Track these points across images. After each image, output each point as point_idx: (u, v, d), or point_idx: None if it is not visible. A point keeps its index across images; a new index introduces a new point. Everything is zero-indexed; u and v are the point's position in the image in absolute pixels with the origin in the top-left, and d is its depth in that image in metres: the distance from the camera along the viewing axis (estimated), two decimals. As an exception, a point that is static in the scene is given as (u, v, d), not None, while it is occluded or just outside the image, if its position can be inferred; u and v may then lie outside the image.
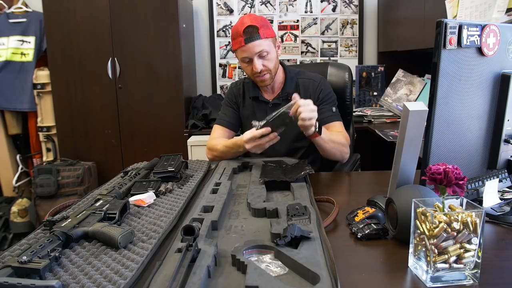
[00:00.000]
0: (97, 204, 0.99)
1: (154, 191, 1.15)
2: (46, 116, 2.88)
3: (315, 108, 1.28)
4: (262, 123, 1.28)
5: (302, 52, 3.26)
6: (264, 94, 1.63)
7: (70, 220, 0.88)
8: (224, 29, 3.23)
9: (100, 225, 0.87)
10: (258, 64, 1.47)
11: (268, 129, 1.28)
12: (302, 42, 3.25)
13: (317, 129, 1.32)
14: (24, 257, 0.69)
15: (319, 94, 1.57)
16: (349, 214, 0.99)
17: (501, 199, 1.07)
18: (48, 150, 2.94)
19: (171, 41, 2.69)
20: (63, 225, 0.86)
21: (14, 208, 2.76)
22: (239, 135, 1.58)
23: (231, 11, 3.21)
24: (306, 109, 1.24)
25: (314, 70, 1.72)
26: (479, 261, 0.70)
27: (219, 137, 1.60)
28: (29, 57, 2.86)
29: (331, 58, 3.26)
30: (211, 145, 1.57)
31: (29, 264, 0.69)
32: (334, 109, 1.58)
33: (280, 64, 1.61)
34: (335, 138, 1.46)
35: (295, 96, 1.29)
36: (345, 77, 1.80)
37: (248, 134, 1.32)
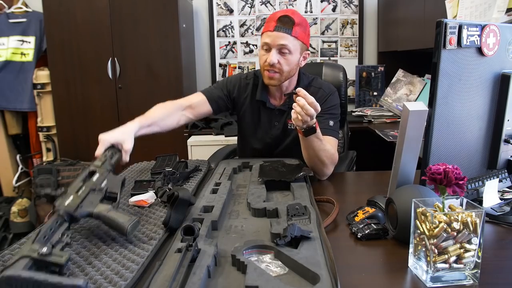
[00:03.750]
0: (94, 179, 0.95)
1: (154, 191, 1.15)
2: (46, 116, 2.87)
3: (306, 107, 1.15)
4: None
5: (302, 52, 3.25)
6: (271, 100, 1.56)
7: (72, 197, 0.86)
8: (224, 29, 3.23)
9: (104, 208, 0.87)
10: (273, 56, 1.38)
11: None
12: (302, 42, 3.25)
13: (314, 124, 1.21)
14: (45, 249, 0.67)
15: (322, 104, 1.36)
16: (349, 214, 0.99)
17: (501, 199, 1.07)
18: (48, 150, 2.93)
19: (171, 41, 2.69)
20: (66, 203, 0.84)
21: (14, 208, 2.76)
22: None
23: (231, 11, 3.21)
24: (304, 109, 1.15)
25: (309, 71, 1.68)
26: (479, 261, 0.70)
27: (192, 99, 1.54)
28: (29, 57, 2.85)
29: (331, 58, 3.26)
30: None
31: (51, 258, 0.68)
32: (331, 123, 1.46)
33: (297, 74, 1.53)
34: (327, 147, 1.30)
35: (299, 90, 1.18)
36: (340, 76, 1.85)
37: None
